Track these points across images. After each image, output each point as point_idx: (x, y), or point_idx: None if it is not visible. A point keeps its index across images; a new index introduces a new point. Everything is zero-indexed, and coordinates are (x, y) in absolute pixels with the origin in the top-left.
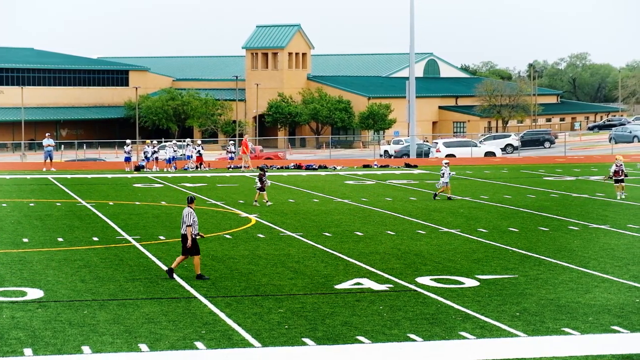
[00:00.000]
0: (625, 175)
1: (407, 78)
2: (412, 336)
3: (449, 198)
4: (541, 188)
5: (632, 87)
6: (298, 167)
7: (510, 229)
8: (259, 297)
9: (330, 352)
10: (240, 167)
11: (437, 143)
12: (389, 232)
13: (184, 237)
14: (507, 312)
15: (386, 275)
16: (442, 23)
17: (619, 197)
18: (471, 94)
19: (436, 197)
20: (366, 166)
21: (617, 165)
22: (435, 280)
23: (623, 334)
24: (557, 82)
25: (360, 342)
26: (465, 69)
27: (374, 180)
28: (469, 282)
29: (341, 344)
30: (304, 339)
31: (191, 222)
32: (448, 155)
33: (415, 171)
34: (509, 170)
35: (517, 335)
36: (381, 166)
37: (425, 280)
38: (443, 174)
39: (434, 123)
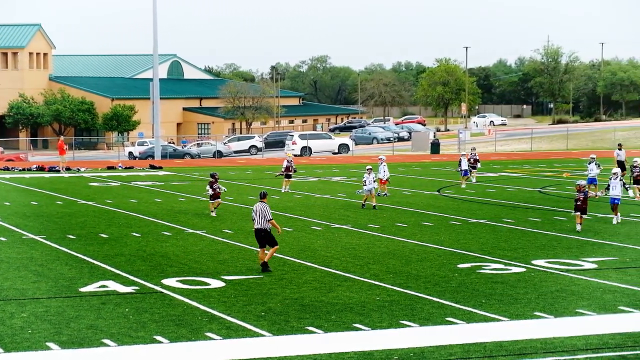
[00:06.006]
0: (295, 171)
1: (151, 79)
2: (159, 338)
3: (374, 207)
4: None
5: (370, 90)
6: (41, 169)
7: None
8: (1, 302)
9: (75, 356)
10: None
11: (292, 136)
12: (134, 234)
13: (260, 230)
14: (253, 312)
15: (132, 278)
16: (186, 25)
17: (283, 190)
18: (215, 96)
19: (373, 207)
20: (110, 168)
21: (287, 162)
22: (181, 281)
23: (365, 331)
24: (299, 84)
25: (106, 345)
26: (209, 70)
27: (118, 182)
28: (215, 283)
29: (86, 348)
30: (48, 343)
31: (271, 216)
32: (303, 149)
33: (161, 172)
34: (253, 171)
35: (262, 335)
36: (126, 168)
37: (171, 281)
38: (365, 181)
39: (179, 124)
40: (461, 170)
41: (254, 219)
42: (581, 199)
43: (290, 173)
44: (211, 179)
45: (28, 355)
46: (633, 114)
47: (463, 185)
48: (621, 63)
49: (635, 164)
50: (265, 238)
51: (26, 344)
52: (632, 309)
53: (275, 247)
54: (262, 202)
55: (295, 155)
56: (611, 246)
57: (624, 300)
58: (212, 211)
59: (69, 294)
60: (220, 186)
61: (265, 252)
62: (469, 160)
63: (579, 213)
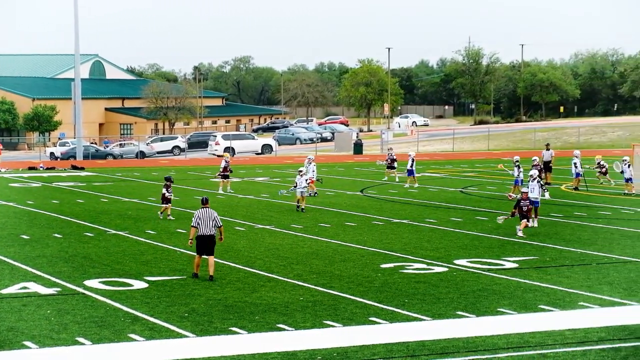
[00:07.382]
0: (231, 172)
1: (73, 79)
2: (81, 340)
3: (302, 209)
4: (208, 189)
5: (293, 90)
6: None
7: (179, 230)
8: None
9: None
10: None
11: (215, 136)
12: (56, 235)
13: (208, 237)
14: (176, 313)
15: (54, 279)
16: (107, 24)
17: (221, 190)
18: (138, 96)
19: (302, 209)
20: (32, 168)
21: (226, 162)
22: (103, 282)
23: (288, 331)
24: (222, 85)
25: (28, 347)
26: (131, 70)
27: (40, 183)
28: (138, 284)
29: (7, 350)
30: None
31: (221, 223)
32: (226, 149)
33: (83, 173)
34: (176, 172)
35: (186, 336)
36: (47, 168)
37: (93, 283)
38: (297, 183)
39: (101, 125)
40: (406, 170)
41: (196, 225)
42: (527, 205)
43: (228, 173)
44: (166, 182)
45: None
46: (552, 114)
47: (406, 185)
48: (541, 64)
49: (534, 163)
50: (209, 245)
51: None
52: (551, 307)
53: (212, 256)
54: (206, 207)
55: (218, 156)
56: (531, 246)
57: (544, 299)
58: (167, 215)
59: None
60: (171, 192)
61: (204, 257)
62: (386, 160)
63: (525, 220)
